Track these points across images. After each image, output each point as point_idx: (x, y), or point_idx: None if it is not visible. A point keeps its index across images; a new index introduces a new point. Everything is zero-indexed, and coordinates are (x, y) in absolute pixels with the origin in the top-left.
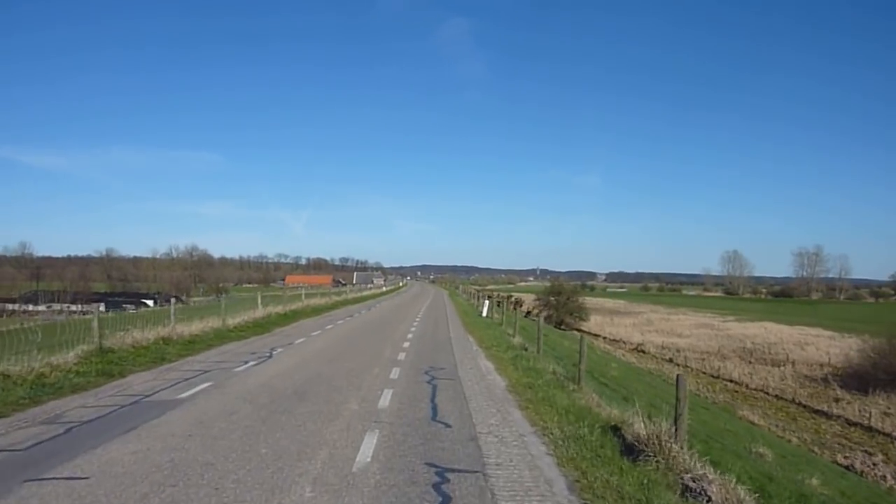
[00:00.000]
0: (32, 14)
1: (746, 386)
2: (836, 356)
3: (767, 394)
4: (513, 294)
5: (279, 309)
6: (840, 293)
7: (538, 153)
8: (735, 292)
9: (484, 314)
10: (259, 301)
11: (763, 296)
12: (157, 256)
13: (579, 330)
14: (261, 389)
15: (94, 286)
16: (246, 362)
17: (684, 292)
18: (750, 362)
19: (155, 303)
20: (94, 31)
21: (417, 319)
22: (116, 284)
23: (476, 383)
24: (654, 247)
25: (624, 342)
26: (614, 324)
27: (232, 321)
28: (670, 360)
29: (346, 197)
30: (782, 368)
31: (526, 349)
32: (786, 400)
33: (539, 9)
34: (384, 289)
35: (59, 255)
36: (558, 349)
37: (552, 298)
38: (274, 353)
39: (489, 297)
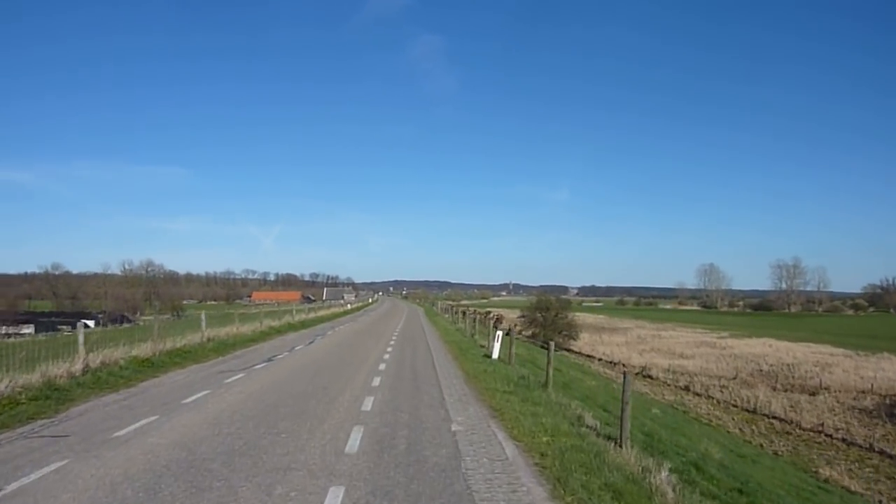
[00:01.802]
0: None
1: (798, 425)
2: (873, 380)
3: (830, 437)
4: (490, 310)
5: (144, 349)
6: (819, 306)
7: (510, 168)
8: (712, 306)
9: (495, 355)
10: (81, 342)
11: (740, 309)
12: (109, 272)
13: (569, 350)
14: None
15: (38, 305)
16: None
17: (660, 306)
18: (776, 389)
19: (97, 323)
20: (59, 48)
21: (383, 367)
22: (65, 303)
23: None
24: (626, 260)
25: (624, 365)
26: (604, 342)
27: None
28: (686, 389)
29: (317, 212)
30: (822, 398)
31: None
32: (860, 447)
33: (509, 25)
34: (349, 307)
35: (16, 273)
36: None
37: (539, 315)
38: None
39: (500, 327)
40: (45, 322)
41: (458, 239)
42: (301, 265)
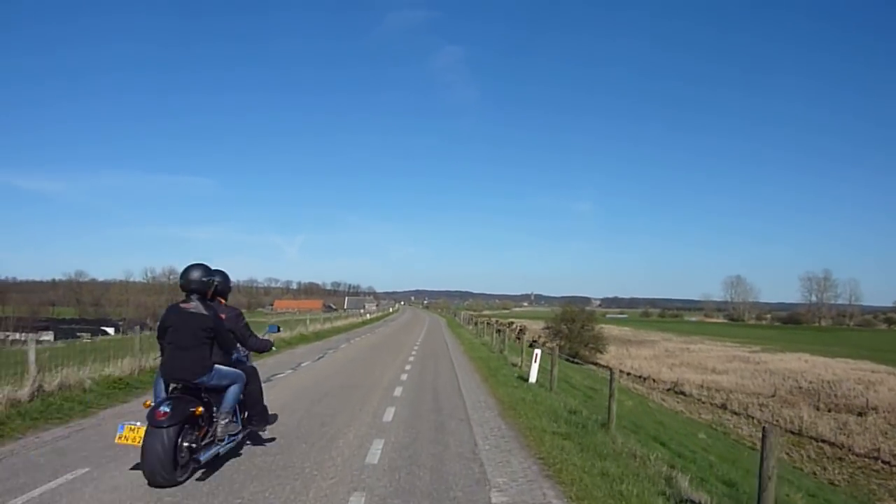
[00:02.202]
0: (27, 39)
1: (850, 450)
2: None
3: (889, 464)
4: (512, 320)
5: (123, 366)
6: (850, 319)
7: (532, 179)
8: (739, 318)
9: (533, 379)
10: (31, 360)
11: (769, 322)
12: (132, 279)
13: (596, 364)
14: None
15: (62, 311)
16: None
17: (686, 318)
18: (819, 408)
19: (117, 330)
20: (89, 55)
21: (399, 392)
22: (89, 310)
23: None
24: (649, 272)
25: (654, 380)
26: (631, 356)
27: None
28: (723, 407)
29: (340, 221)
30: (871, 419)
31: None
32: None
33: (531, 35)
34: (368, 316)
35: (42, 280)
36: None
37: (564, 327)
38: None
39: (523, 338)
40: (64, 329)
41: (480, 249)
42: (323, 274)
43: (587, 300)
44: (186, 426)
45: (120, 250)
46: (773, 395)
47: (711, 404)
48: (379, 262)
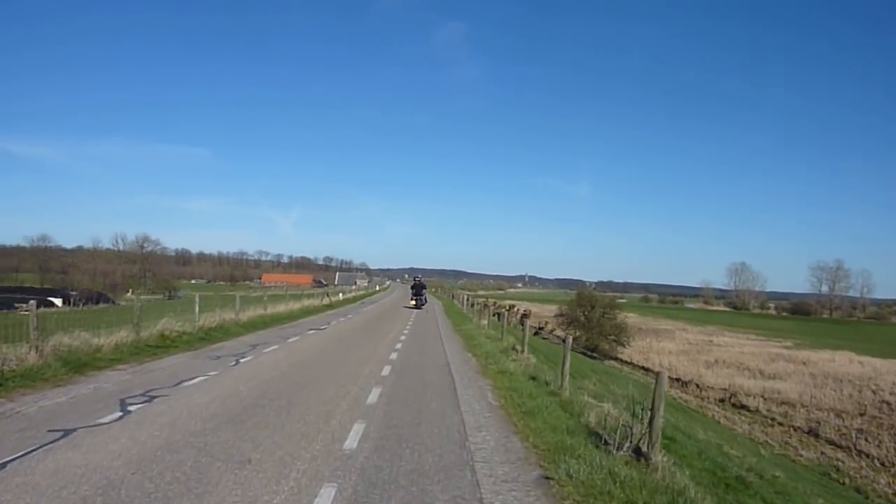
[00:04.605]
0: (28, 7)
1: None
2: None
3: None
4: (513, 303)
5: None
6: (861, 312)
7: (530, 160)
8: (742, 307)
9: None
10: None
11: (776, 312)
12: (100, 246)
13: (617, 359)
14: None
15: (26, 278)
16: None
17: (686, 305)
18: None
19: (66, 302)
20: (87, 24)
21: None
22: (56, 278)
23: None
24: (645, 257)
25: (698, 385)
26: (655, 350)
27: None
28: (814, 434)
29: (336, 197)
30: None
31: None
32: None
33: (536, 16)
34: (341, 297)
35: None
36: None
37: (581, 313)
38: None
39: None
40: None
41: (475, 229)
42: (318, 249)
43: (581, 283)
44: (421, 300)
45: (114, 219)
46: (862, 414)
47: (793, 427)
48: (374, 239)
